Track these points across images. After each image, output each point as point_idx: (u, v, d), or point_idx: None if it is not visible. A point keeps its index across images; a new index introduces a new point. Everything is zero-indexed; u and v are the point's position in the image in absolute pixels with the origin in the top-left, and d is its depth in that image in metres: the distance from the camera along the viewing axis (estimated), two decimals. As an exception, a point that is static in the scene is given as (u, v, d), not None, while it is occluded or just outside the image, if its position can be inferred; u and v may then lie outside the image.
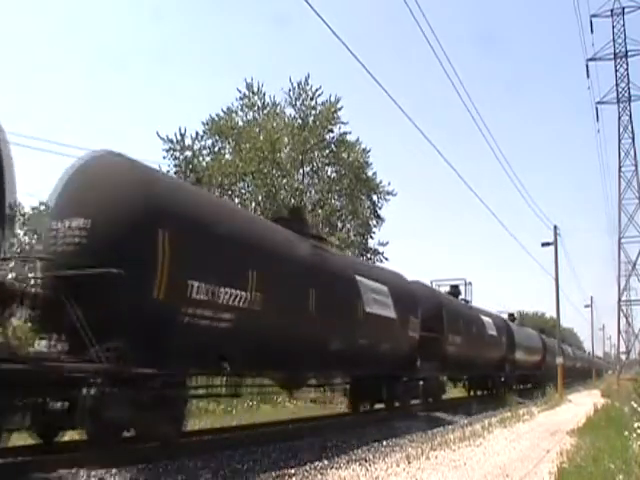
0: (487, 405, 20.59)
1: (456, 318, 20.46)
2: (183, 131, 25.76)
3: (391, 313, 14.27)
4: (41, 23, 79.85)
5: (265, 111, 27.29)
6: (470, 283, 23.98)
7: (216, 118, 26.65)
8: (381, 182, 28.07)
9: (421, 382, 17.53)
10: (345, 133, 27.67)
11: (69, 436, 8.34)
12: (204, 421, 13.91)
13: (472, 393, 27.28)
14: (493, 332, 25.08)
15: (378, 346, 13.90)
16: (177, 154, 25.59)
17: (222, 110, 26.89)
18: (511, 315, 35.14)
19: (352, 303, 12.63)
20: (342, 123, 27.48)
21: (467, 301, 24.18)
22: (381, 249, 28.52)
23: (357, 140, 27.88)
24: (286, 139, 26.94)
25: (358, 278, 13.11)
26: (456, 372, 22.71)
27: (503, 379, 28.09)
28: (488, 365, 24.94)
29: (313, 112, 27.26)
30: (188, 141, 25.87)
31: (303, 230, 12.33)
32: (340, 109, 27.17)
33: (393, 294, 14.51)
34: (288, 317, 10.29)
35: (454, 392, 27.01)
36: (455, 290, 23.53)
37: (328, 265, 12.33)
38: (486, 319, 24.87)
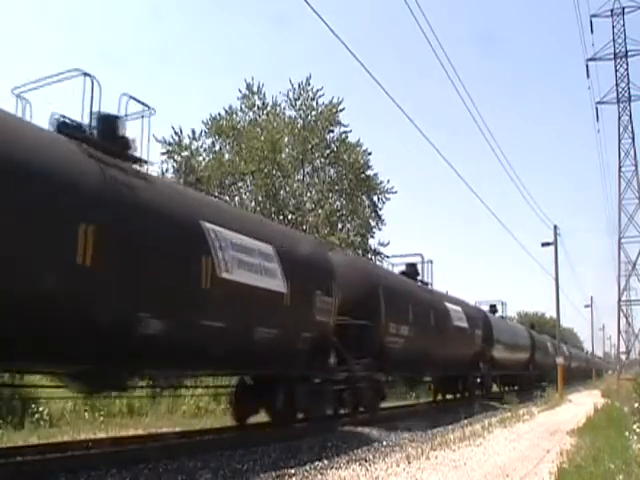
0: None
1: (401, 302, 15.72)
2: (180, 131, 25.77)
3: (275, 284, 10.09)
4: (41, 23, 79.89)
5: (265, 111, 27.30)
6: (431, 261, 19.43)
7: (217, 118, 26.67)
8: (381, 182, 28.09)
9: (339, 386, 12.82)
10: (345, 132, 27.69)
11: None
12: (204, 421, 13.94)
13: (444, 397, 23.03)
14: (462, 323, 20.73)
15: (246, 332, 9.55)
16: (175, 156, 25.56)
17: (224, 110, 26.95)
18: (492, 306, 30.34)
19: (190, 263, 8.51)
20: (343, 125, 27.53)
21: (426, 283, 19.25)
22: (381, 249, 28.52)
23: (358, 141, 27.91)
24: (286, 139, 26.95)
25: (209, 226, 8.95)
26: (403, 371, 17.60)
27: (479, 380, 24.19)
28: (455, 363, 20.35)
29: (314, 112, 27.27)
30: (186, 141, 25.89)
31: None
32: (342, 110, 27.23)
33: (284, 259, 10.40)
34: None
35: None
36: (411, 269, 18.84)
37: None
38: (452, 307, 20.43)
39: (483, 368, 23.72)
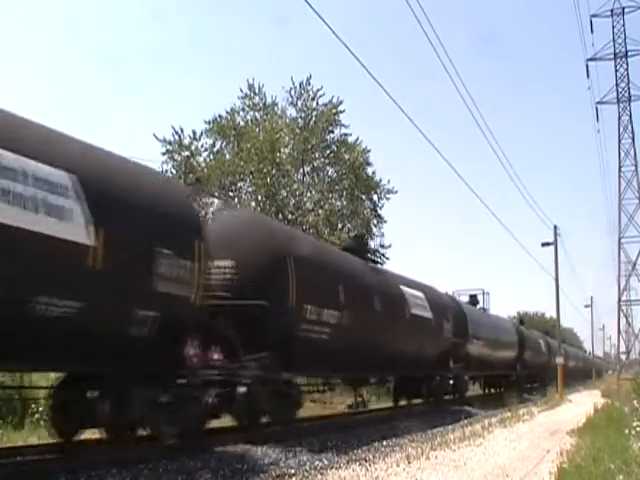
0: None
1: (325, 279, 12.22)
2: (180, 131, 25.73)
3: (68, 231, 6.77)
4: (41, 23, 79.87)
5: (266, 111, 27.27)
6: (381, 234, 17.52)
7: (218, 119, 26.65)
8: (381, 180, 28.07)
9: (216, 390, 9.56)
10: (346, 134, 27.68)
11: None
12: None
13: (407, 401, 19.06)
14: (423, 312, 17.10)
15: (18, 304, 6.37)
16: (175, 155, 25.53)
17: (226, 111, 26.95)
18: (473, 297, 26.95)
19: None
20: (343, 126, 27.51)
21: (376, 262, 16.49)
22: (382, 250, 28.46)
23: (357, 140, 27.88)
24: (287, 138, 26.92)
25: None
26: (331, 370, 13.66)
27: (451, 382, 20.55)
28: (415, 361, 16.75)
29: (314, 113, 27.24)
30: (186, 141, 25.86)
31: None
32: (342, 112, 27.21)
33: (92, 194, 7.05)
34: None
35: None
36: (355, 243, 16.12)
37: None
38: (411, 292, 16.78)
39: (455, 368, 20.33)
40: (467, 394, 23.47)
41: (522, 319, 42.83)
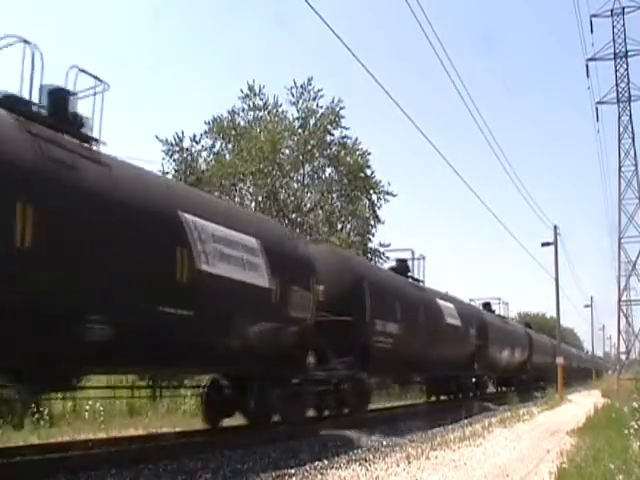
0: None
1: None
2: (181, 134, 25.77)
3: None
4: (41, 23, 79.83)
5: (266, 111, 27.26)
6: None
7: (218, 119, 26.65)
8: (380, 182, 28.05)
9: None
10: (346, 137, 27.67)
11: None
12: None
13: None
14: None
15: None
16: (176, 155, 25.56)
17: (227, 111, 26.95)
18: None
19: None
20: (344, 128, 27.50)
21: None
22: (382, 249, 28.44)
23: (356, 140, 27.86)
24: (287, 138, 26.89)
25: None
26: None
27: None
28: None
29: (315, 115, 27.22)
30: (187, 143, 25.88)
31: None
32: (343, 118, 27.22)
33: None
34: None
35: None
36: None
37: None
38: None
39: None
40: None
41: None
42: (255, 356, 9.92)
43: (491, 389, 30.12)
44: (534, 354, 33.39)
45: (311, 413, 12.67)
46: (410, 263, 18.36)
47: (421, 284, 18.68)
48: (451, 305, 20.18)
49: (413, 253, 18.65)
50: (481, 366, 23.31)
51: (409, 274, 18.28)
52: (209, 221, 8.82)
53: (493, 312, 29.37)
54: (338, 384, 12.66)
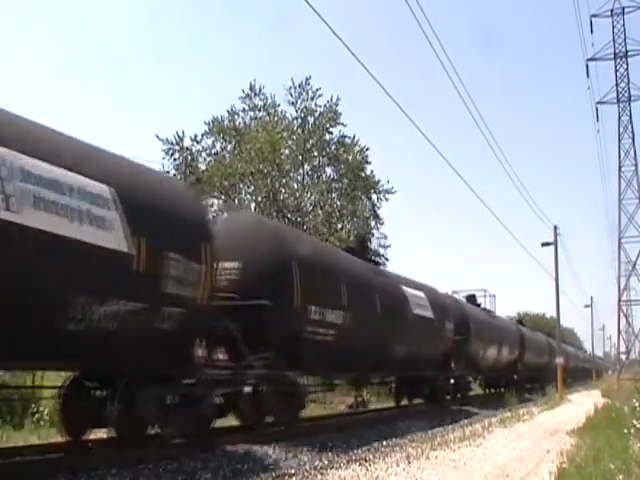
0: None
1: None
2: (182, 134, 25.77)
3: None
4: (41, 23, 79.83)
5: (266, 111, 27.26)
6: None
7: (219, 119, 26.65)
8: (380, 181, 28.04)
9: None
10: (344, 136, 27.66)
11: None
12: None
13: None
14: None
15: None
16: (177, 155, 25.57)
17: (227, 111, 26.95)
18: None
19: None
20: (342, 125, 27.49)
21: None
22: (382, 250, 28.43)
23: (354, 138, 27.85)
24: (287, 138, 26.88)
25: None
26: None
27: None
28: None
29: (315, 114, 27.21)
30: (187, 143, 25.88)
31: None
32: (340, 115, 27.21)
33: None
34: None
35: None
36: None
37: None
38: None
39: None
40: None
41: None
42: (109, 345, 7.36)
43: (478, 391, 28.71)
44: (526, 352, 31.33)
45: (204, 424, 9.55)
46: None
47: (380, 268, 16.23)
48: (421, 294, 17.27)
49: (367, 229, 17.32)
50: (461, 365, 20.77)
51: (371, 257, 16.24)
52: (25, 154, 6.37)
53: (479, 305, 26.64)
54: (255, 386, 10.25)
